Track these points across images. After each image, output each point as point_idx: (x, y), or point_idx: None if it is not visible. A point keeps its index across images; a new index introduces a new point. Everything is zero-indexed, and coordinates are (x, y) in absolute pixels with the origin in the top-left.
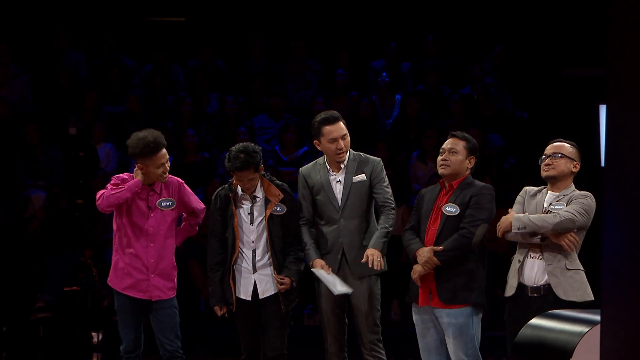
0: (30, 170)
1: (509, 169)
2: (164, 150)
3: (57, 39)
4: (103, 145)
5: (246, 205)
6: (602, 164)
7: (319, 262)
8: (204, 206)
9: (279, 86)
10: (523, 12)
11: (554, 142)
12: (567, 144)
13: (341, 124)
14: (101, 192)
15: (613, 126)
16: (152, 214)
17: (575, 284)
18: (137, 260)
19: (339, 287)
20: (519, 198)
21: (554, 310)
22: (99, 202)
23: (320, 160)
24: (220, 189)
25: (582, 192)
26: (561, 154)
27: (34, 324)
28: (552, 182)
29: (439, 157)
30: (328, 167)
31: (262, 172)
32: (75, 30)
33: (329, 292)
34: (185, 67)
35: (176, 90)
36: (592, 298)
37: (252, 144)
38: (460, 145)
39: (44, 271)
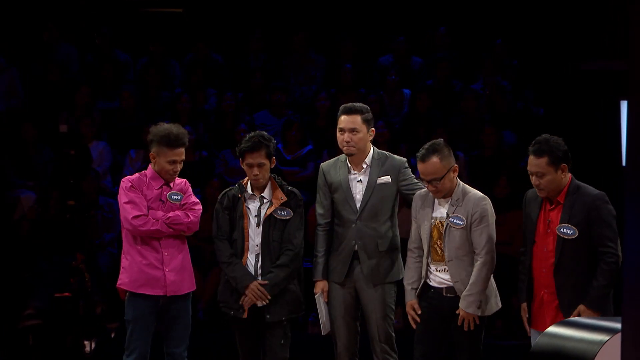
0: (22, 170)
1: (525, 167)
2: (182, 150)
3: (47, 31)
4: (95, 143)
5: (254, 207)
6: (624, 163)
7: (321, 284)
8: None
9: (281, 81)
10: (539, 0)
11: (423, 162)
12: (436, 160)
13: (357, 118)
14: (138, 215)
15: (635, 123)
16: (164, 207)
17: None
18: (151, 256)
19: (327, 326)
20: (412, 211)
21: (572, 318)
22: (140, 225)
23: (342, 157)
24: (228, 189)
25: (479, 204)
26: (438, 177)
27: (23, 331)
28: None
29: (532, 179)
30: (349, 165)
31: (272, 175)
32: (66, 22)
33: (339, 298)
34: (181, 61)
35: (172, 86)
36: (500, 306)
37: (268, 134)
38: (542, 164)
39: (33, 276)
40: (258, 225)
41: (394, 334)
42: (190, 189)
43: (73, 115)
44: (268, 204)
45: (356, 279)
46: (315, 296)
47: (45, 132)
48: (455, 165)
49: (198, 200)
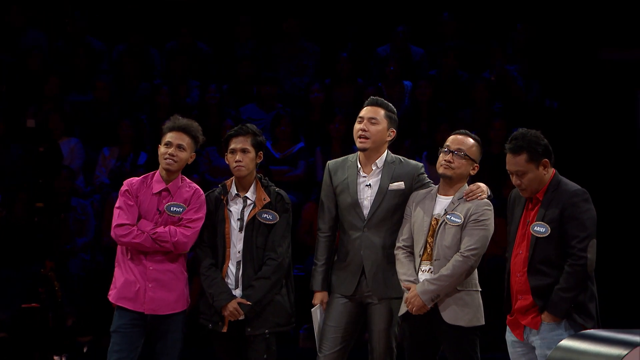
0: None
1: None
2: (181, 134)
3: (11, 15)
4: (66, 139)
5: (236, 209)
6: None
7: (320, 296)
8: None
9: (270, 71)
10: None
11: (459, 134)
12: (472, 141)
13: (380, 110)
14: (123, 223)
15: None
16: (160, 219)
17: (464, 307)
18: (136, 269)
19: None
20: (406, 210)
21: (587, 331)
22: (121, 235)
23: (352, 156)
24: (210, 191)
25: (481, 207)
26: (464, 152)
27: None
28: (446, 181)
29: (512, 179)
30: (359, 166)
31: (259, 175)
32: (34, 5)
33: (339, 310)
34: (162, 49)
35: (151, 77)
36: (482, 323)
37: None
38: (521, 161)
39: None
40: (241, 230)
41: (395, 350)
42: (198, 200)
43: (41, 109)
44: (252, 205)
45: (364, 292)
46: (312, 309)
47: (11, 127)
48: (477, 165)
49: (200, 216)
